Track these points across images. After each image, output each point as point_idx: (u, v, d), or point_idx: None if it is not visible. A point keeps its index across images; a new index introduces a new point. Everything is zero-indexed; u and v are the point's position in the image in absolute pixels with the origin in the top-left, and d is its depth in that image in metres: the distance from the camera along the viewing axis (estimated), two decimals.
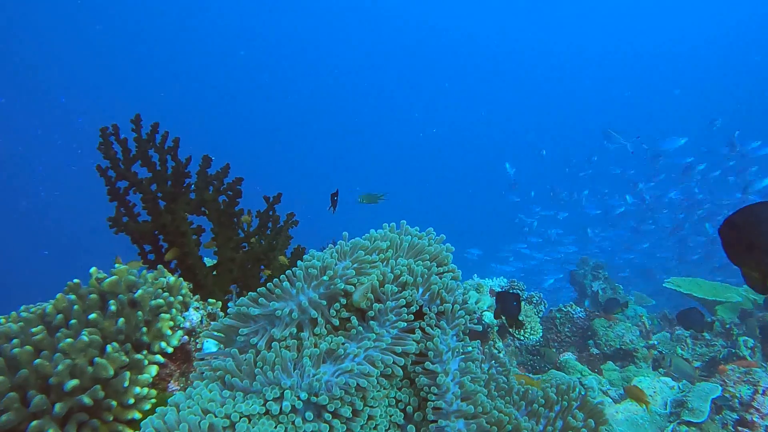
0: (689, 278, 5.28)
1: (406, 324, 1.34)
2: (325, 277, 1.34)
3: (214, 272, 2.29)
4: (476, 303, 3.59)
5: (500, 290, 2.57)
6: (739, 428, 3.43)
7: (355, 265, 1.39)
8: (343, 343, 1.29)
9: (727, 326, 4.70)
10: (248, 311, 1.34)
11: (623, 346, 4.37)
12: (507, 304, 2.60)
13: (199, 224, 2.35)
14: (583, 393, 1.51)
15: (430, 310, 1.37)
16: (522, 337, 3.44)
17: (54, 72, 24.29)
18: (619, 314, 5.15)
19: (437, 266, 1.50)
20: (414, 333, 1.35)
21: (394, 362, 1.26)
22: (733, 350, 4.32)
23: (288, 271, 1.38)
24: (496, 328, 3.54)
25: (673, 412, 3.54)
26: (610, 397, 3.69)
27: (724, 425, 3.47)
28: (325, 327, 1.35)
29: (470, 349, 1.36)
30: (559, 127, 28.79)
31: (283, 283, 1.36)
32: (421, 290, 1.39)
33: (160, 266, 1.82)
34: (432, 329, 1.34)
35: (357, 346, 1.29)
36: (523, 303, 3.40)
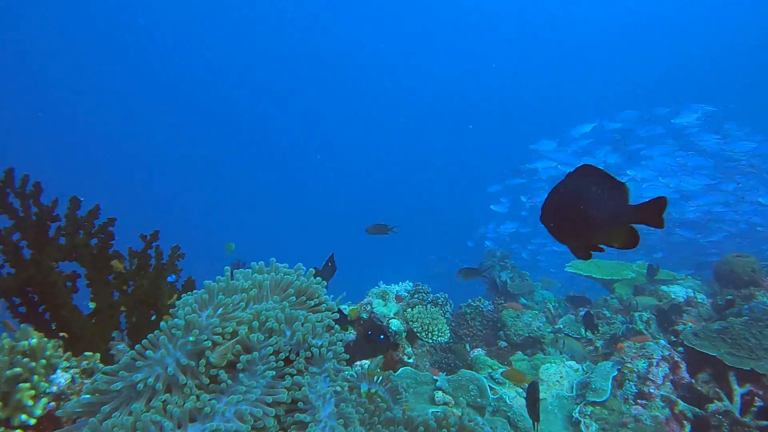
0: (588, 260, 5.54)
1: (276, 372, 1.31)
2: (191, 338, 1.28)
3: (94, 320, 2.17)
4: (383, 308, 3.61)
5: (367, 334, 3.03)
6: (639, 401, 3.63)
7: (219, 311, 1.35)
8: (210, 400, 1.24)
9: (626, 302, 4.98)
10: (108, 388, 1.27)
11: (531, 334, 4.53)
12: (374, 340, 3.11)
13: (74, 269, 2.22)
14: (458, 423, 1.53)
15: (297, 356, 1.35)
16: (430, 341, 3.49)
17: None
18: (527, 301, 5.34)
19: (308, 299, 1.48)
20: (285, 380, 1.32)
21: (264, 413, 1.23)
22: (631, 325, 4.58)
23: (150, 336, 1.32)
24: (404, 334, 3.57)
25: (579, 394, 3.70)
26: (522, 387, 3.82)
27: (625, 400, 3.66)
28: (196, 388, 1.29)
29: (344, 390, 1.34)
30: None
31: (146, 352, 1.29)
32: (288, 333, 1.36)
33: (23, 326, 1.69)
34: (301, 377, 1.31)
35: (226, 400, 1.24)
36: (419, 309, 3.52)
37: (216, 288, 1.39)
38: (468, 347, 4.50)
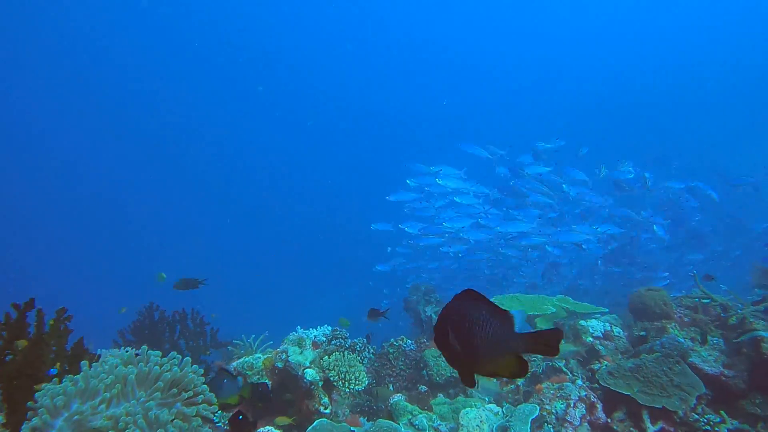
0: (510, 295, 5.59)
1: None
2: None
3: None
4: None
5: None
6: None
7: (75, 418, 1.19)
8: None
9: None
10: None
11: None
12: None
13: None
14: None
15: None
16: (347, 390, 3.38)
17: None
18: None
19: (182, 391, 1.34)
20: None
21: None
22: (550, 363, 4.60)
23: None
24: (321, 383, 3.44)
25: None
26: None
27: None
28: None
29: None
30: None
31: None
32: None
33: None
34: None
35: None
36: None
37: (74, 391, 1.24)
38: (392, 388, 4.41)
